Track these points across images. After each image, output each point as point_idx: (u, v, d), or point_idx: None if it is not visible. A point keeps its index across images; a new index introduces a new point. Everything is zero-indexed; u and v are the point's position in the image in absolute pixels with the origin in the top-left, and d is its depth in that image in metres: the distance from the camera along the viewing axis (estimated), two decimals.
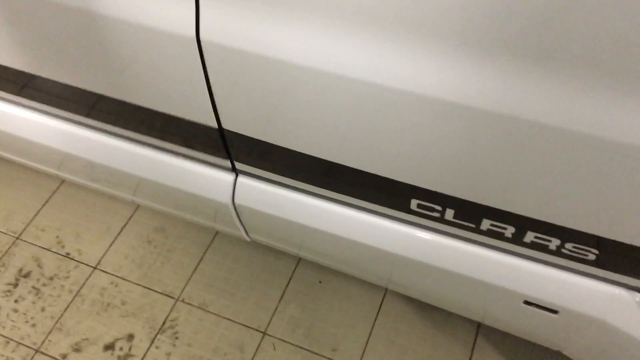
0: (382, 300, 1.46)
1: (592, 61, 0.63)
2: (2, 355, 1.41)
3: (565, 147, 0.69)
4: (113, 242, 1.58)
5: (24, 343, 1.43)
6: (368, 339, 1.42)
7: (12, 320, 1.46)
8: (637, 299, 0.86)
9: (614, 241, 0.78)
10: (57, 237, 1.60)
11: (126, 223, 1.62)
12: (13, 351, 1.41)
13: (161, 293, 1.50)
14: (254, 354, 1.41)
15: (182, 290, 1.50)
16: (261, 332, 1.44)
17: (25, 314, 1.47)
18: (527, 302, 0.94)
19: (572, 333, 0.95)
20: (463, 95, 0.70)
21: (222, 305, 1.48)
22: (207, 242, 1.58)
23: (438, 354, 1.37)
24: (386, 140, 0.80)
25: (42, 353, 1.41)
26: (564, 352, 1.05)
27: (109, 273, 1.54)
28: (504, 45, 0.65)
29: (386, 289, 1.47)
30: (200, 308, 1.48)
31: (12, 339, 1.44)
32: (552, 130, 0.68)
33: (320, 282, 1.50)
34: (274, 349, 1.42)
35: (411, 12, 0.67)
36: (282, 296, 1.48)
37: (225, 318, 1.46)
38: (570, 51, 0.63)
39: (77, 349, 1.42)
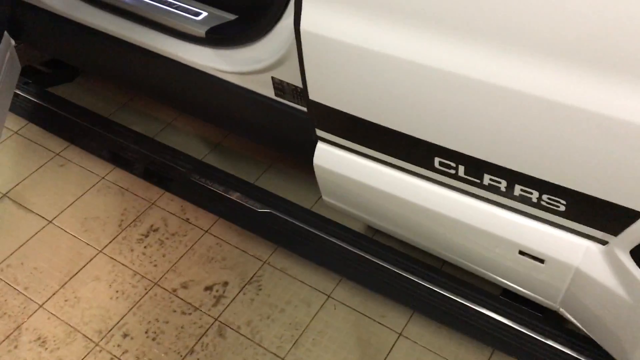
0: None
1: None
2: (129, 283, 1.85)
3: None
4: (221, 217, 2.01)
5: (147, 277, 1.86)
6: (412, 314, 1.71)
7: (140, 260, 1.91)
8: (600, 249, 1.13)
9: (580, 192, 1.06)
10: (182, 207, 2.06)
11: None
12: (138, 282, 1.85)
13: (253, 256, 1.89)
14: (318, 310, 1.74)
15: (270, 256, 1.89)
16: (326, 294, 1.78)
17: (150, 257, 1.92)
18: (521, 252, 1.23)
19: (557, 281, 1.22)
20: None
21: (298, 271, 1.84)
22: None
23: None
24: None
25: (159, 286, 1.84)
26: (555, 305, 1.31)
27: (216, 236, 1.96)
28: None
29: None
30: (282, 271, 1.85)
31: (138, 273, 1.88)
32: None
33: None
34: (335, 308, 1.75)
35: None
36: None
37: (299, 280, 1.81)
38: None
39: (184, 287, 1.83)
